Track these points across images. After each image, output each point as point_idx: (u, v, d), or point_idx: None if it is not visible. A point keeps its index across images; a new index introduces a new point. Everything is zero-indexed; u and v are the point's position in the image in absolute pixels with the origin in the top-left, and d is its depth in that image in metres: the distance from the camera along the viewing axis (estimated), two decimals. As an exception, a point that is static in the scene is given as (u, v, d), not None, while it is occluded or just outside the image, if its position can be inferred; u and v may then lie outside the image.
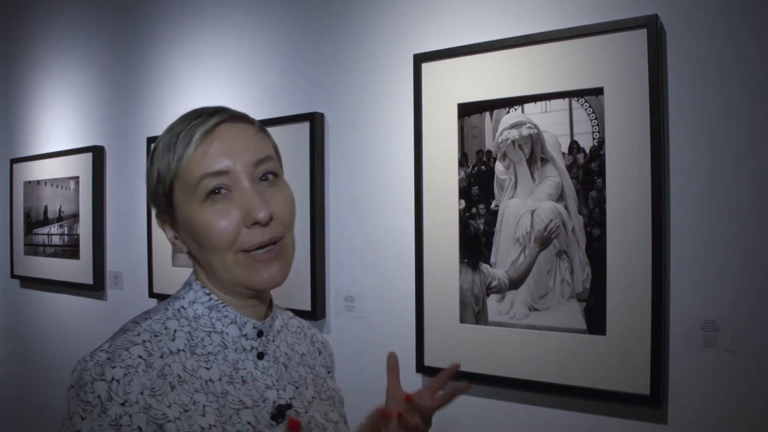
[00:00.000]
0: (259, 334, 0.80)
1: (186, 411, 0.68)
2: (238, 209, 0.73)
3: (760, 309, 1.13)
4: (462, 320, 1.43)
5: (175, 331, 0.75)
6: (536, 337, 1.33)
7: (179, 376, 0.70)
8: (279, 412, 0.76)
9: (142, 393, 0.66)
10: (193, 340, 0.75)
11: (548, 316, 1.32)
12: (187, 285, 0.81)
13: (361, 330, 1.67)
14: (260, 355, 0.79)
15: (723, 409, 1.16)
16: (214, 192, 0.73)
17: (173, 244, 0.81)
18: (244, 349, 0.78)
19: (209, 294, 0.78)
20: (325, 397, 0.88)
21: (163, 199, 0.77)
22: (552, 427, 1.35)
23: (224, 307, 0.78)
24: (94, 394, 0.65)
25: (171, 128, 0.77)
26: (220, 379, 0.73)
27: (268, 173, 0.76)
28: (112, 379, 0.66)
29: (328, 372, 0.96)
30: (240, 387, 0.75)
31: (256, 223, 0.72)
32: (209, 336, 0.76)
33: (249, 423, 0.72)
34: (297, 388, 0.82)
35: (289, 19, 1.83)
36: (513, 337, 1.36)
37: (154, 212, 0.81)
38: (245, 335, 0.79)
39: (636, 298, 1.21)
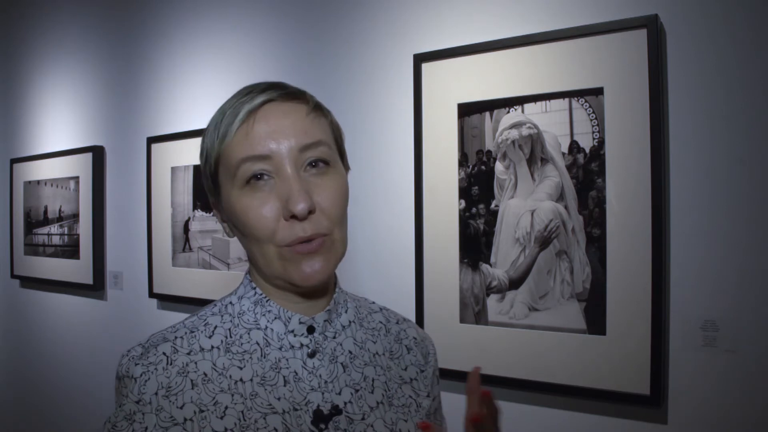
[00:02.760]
0: (310, 330, 0.73)
1: (202, 411, 0.65)
2: (278, 199, 0.66)
3: (760, 309, 1.13)
4: (462, 320, 1.43)
5: (215, 327, 0.72)
6: (536, 337, 1.33)
7: (205, 374, 0.68)
8: (320, 417, 0.69)
9: (156, 393, 0.65)
10: (231, 337, 0.71)
11: (548, 316, 1.32)
12: (242, 280, 0.78)
13: (361, 330, 1.66)
14: (312, 354, 0.72)
15: (723, 409, 1.16)
16: (256, 178, 0.66)
17: (223, 227, 0.77)
18: (292, 347, 0.71)
19: (255, 288, 0.74)
20: (397, 403, 0.77)
21: (209, 179, 0.73)
22: (552, 427, 1.35)
23: (268, 301, 0.73)
24: (121, 388, 0.67)
25: (223, 105, 0.72)
26: (251, 380, 0.69)
27: (318, 160, 0.68)
28: (132, 376, 0.66)
29: (420, 371, 0.83)
30: (278, 388, 0.69)
31: (294, 216, 0.65)
32: (248, 333, 0.72)
33: (275, 429, 0.66)
34: (357, 391, 0.73)
35: (289, 20, 1.83)
36: (513, 337, 1.36)
37: (210, 195, 0.77)
38: (292, 331, 0.72)
39: (636, 298, 1.21)
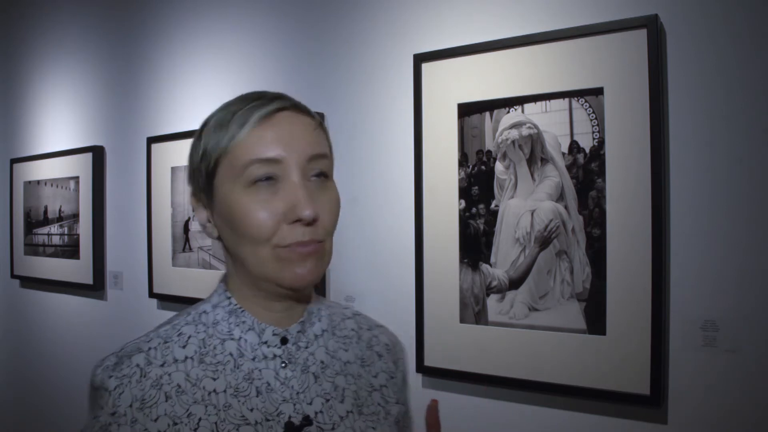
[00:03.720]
0: (284, 341, 0.74)
1: (175, 424, 0.66)
2: (282, 202, 0.68)
3: (760, 309, 1.13)
4: (462, 320, 1.43)
5: (189, 337, 0.72)
6: (536, 337, 1.33)
7: (179, 385, 0.68)
8: (291, 428, 0.70)
9: (131, 406, 0.66)
10: (205, 347, 0.72)
11: (548, 316, 1.32)
12: (215, 288, 0.78)
13: (361, 330, 1.66)
14: (285, 364, 0.73)
15: (723, 409, 1.16)
16: (261, 180, 0.68)
17: (203, 227, 0.76)
18: (265, 357, 0.72)
19: (230, 298, 0.74)
20: (367, 411, 0.78)
21: (204, 177, 0.72)
22: (552, 427, 1.35)
23: (242, 312, 0.73)
24: (96, 398, 0.68)
25: (227, 106, 0.73)
26: (225, 391, 0.69)
27: (321, 173, 0.72)
28: (106, 388, 0.67)
29: (390, 378, 0.85)
30: (251, 399, 0.70)
31: (298, 220, 0.67)
32: (222, 344, 0.72)
33: None
34: (328, 401, 0.74)
35: (289, 20, 1.83)
36: (513, 337, 1.36)
37: (189, 190, 0.77)
38: (265, 342, 0.73)
39: (636, 298, 1.21)
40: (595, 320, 1.26)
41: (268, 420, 0.69)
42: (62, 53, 2.67)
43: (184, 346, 0.71)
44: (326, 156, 0.74)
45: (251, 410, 0.69)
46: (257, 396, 0.70)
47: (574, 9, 1.31)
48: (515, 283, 1.36)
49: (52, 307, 2.76)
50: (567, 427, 1.33)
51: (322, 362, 0.77)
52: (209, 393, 0.69)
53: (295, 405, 0.72)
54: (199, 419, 0.67)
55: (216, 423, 0.67)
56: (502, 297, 1.38)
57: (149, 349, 0.70)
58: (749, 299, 1.14)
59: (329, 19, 1.73)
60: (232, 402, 0.69)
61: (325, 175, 0.73)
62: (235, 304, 0.74)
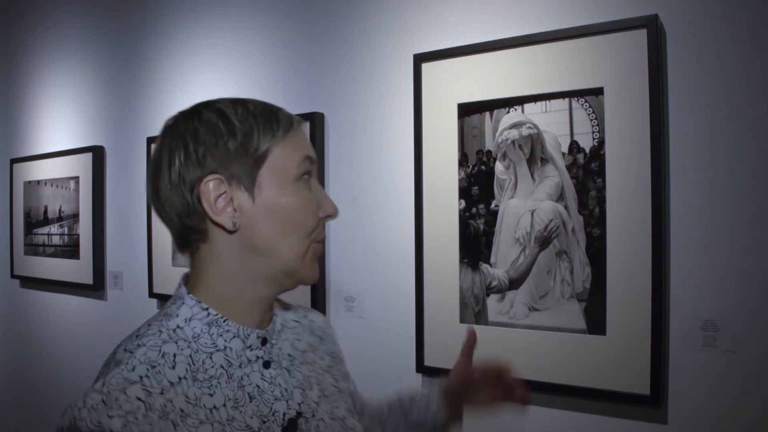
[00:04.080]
0: (264, 342, 0.75)
1: None
2: (316, 200, 0.75)
3: (760, 309, 1.13)
4: (462, 320, 1.43)
5: (174, 356, 0.68)
6: (536, 337, 1.33)
7: (182, 410, 0.65)
8: (290, 425, 0.72)
9: None
10: (194, 364, 0.69)
11: (548, 316, 1.32)
12: (179, 299, 0.73)
13: (361, 330, 1.66)
14: (266, 364, 0.74)
15: (723, 409, 1.16)
16: (304, 176, 0.74)
17: (218, 212, 0.70)
18: (249, 361, 0.73)
19: (206, 309, 0.72)
20: (328, 393, 0.83)
21: (249, 162, 0.70)
22: (552, 427, 1.35)
23: (225, 321, 0.72)
24: None
25: (248, 106, 0.73)
26: (224, 405, 0.68)
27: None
28: (110, 430, 0.60)
29: (333, 358, 0.89)
30: (246, 407, 0.70)
31: (328, 216, 0.76)
32: (210, 358, 0.70)
33: None
34: (303, 390, 0.77)
35: (289, 20, 1.83)
36: (513, 337, 1.36)
37: (209, 178, 0.69)
38: (249, 347, 0.73)
39: (636, 298, 1.21)
40: (595, 320, 1.26)
41: (265, 422, 0.70)
42: (62, 53, 2.67)
43: (173, 367, 0.67)
44: None
45: (251, 417, 0.70)
46: (251, 401, 0.71)
47: (574, 9, 1.31)
48: (515, 283, 1.36)
49: (52, 307, 2.76)
50: (567, 427, 1.33)
51: (289, 355, 0.80)
52: (210, 410, 0.67)
53: (287, 401, 0.74)
54: None
55: None
56: (502, 297, 1.38)
57: (141, 378, 0.64)
58: (749, 299, 1.14)
59: (329, 19, 1.73)
60: (234, 414, 0.69)
61: None
62: (215, 314, 0.71)
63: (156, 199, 0.72)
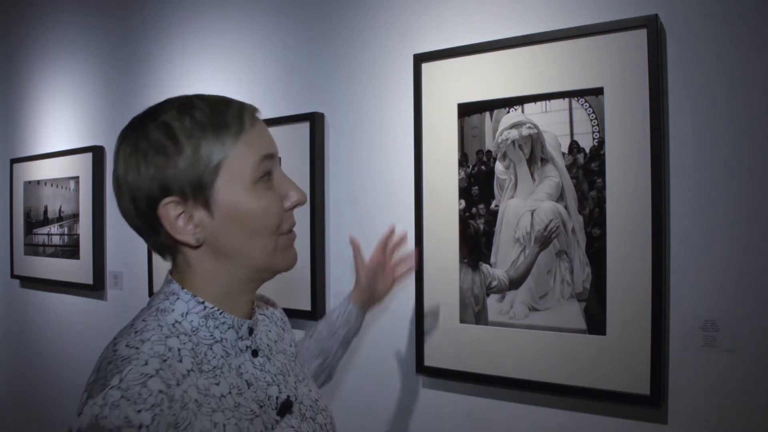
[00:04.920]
0: (251, 331, 0.80)
1: None
2: (280, 193, 0.76)
3: (760, 309, 1.13)
4: (462, 320, 1.43)
5: (179, 350, 0.70)
6: (536, 337, 1.33)
7: (196, 400, 0.67)
8: (283, 407, 0.77)
9: None
10: (197, 356, 0.71)
11: (548, 316, 1.32)
12: (173, 295, 0.75)
13: (361, 330, 1.66)
14: (255, 353, 0.79)
15: (723, 409, 1.16)
16: (264, 175, 0.74)
17: (180, 232, 0.71)
18: (242, 351, 0.77)
19: (202, 302, 0.74)
20: (300, 377, 0.88)
21: (198, 182, 0.70)
22: (552, 427, 1.35)
23: (221, 313, 0.75)
24: None
25: (194, 111, 0.71)
26: (230, 393, 0.72)
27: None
28: (141, 425, 0.60)
29: (293, 345, 0.95)
30: (246, 393, 0.74)
31: (294, 206, 0.77)
32: (211, 349, 0.73)
33: (262, 430, 0.72)
34: (285, 377, 0.82)
35: (289, 20, 1.83)
36: (513, 337, 1.36)
37: (165, 201, 0.70)
38: (241, 337, 0.78)
39: (636, 298, 1.21)
40: (595, 320, 1.26)
41: (262, 407, 0.75)
42: (62, 53, 2.67)
43: (180, 360, 0.69)
44: None
45: (252, 402, 0.74)
46: (249, 388, 0.75)
47: (574, 9, 1.31)
48: (515, 283, 1.36)
49: (52, 307, 2.76)
50: (567, 427, 1.33)
51: (267, 344, 0.84)
52: (219, 399, 0.70)
53: (278, 386, 0.79)
54: (224, 426, 0.68)
55: (236, 424, 0.69)
56: (502, 297, 1.38)
57: (157, 371, 0.64)
58: (749, 299, 1.14)
59: (329, 19, 1.73)
60: (239, 401, 0.72)
61: None
62: (211, 307, 0.75)
63: (126, 217, 0.76)
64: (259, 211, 0.72)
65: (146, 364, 0.65)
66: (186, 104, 0.73)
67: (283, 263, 0.78)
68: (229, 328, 0.76)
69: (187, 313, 0.74)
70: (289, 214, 0.77)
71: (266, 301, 0.99)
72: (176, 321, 0.73)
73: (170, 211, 0.71)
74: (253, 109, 0.77)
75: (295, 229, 0.80)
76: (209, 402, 0.68)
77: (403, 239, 1.30)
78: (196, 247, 0.73)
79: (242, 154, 0.71)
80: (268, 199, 0.73)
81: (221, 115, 0.72)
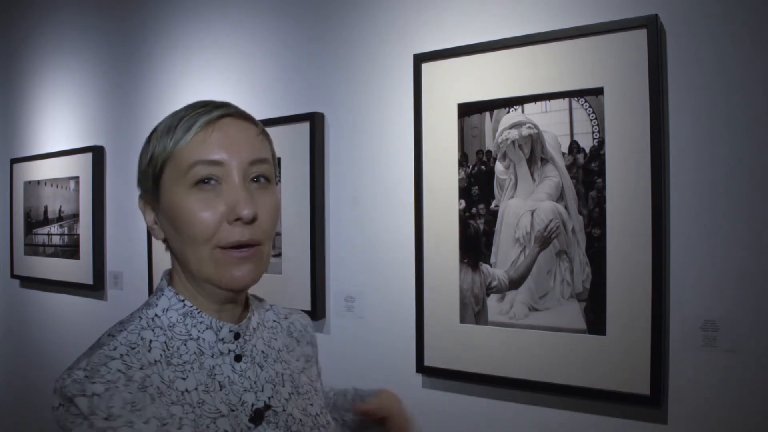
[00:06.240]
0: (236, 336, 0.79)
1: (164, 425, 0.67)
2: (224, 203, 0.72)
3: (760, 309, 1.13)
4: (462, 320, 1.43)
5: (150, 341, 0.73)
6: (536, 337, 1.33)
7: (158, 387, 0.69)
8: (257, 415, 0.76)
9: (124, 407, 0.64)
10: (168, 350, 0.73)
11: (548, 316, 1.32)
12: (159, 291, 0.79)
13: (361, 330, 1.67)
14: (238, 358, 0.78)
15: (723, 409, 1.16)
16: (204, 181, 0.72)
17: (151, 229, 0.80)
18: (221, 354, 0.77)
19: (183, 300, 0.77)
20: (302, 391, 0.87)
21: (151, 180, 0.77)
22: (552, 427, 1.35)
23: (199, 313, 0.77)
24: (78, 410, 0.64)
25: (175, 113, 0.77)
26: (196, 389, 0.72)
27: (261, 176, 0.75)
28: (93, 394, 0.64)
29: (307, 361, 0.93)
30: (216, 394, 0.74)
31: (238, 219, 0.71)
32: (185, 345, 0.75)
33: (226, 431, 0.72)
34: (274, 386, 0.81)
35: (289, 20, 1.83)
36: (513, 337, 1.36)
37: (139, 196, 0.82)
38: (222, 339, 0.78)
39: (636, 298, 1.21)
40: (595, 320, 1.26)
41: (233, 410, 0.74)
42: (62, 53, 2.67)
43: (149, 350, 0.72)
44: (267, 161, 0.77)
45: (221, 403, 0.74)
46: (221, 389, 0.75)
47: (574, 9, 1.31)
48: (515, 283, 1.36)
49: (52, 307, 2.76)
50: (567, 427, 1.33)
51: (262, 352, 0.83)
52: (182, 393, 0.71)
53: (256, 393, 0.78)
54: (180, 418, 0.69)
55: (194, 420, 0.70)
56: (502, 297, 1.38)
57: (122, 355, 0.69)
58: (749, 299, 1.14)
59: (329, 19, 1.73)
60: (204, 398, 0.72)
61: (267, 180, 0.77)
62: (190, 306, 0.77)
63: None
64: (186, 215, 0.72)
65: (114, 349, 0.70)
66: (175, 112, 0.78)
67: (217, 279, 0.73)
68: (207, 328, 0.77)
69: (167, 309, 0.77)
70: (232, 228, 0.71)
71: (290, 312, 0.97)
72: (156, 315, 0.77)
73: (141, 206, 0.81)
74: (224, 114, 0.75)
75: (267, 247, 0.76)
76: (170, 394, 0.70)
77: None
78: (164, 243, 0.80)
79: (178, 160, 0.73)
80: (201, 205, 0.71)
81: (179, 117, 0.75)
